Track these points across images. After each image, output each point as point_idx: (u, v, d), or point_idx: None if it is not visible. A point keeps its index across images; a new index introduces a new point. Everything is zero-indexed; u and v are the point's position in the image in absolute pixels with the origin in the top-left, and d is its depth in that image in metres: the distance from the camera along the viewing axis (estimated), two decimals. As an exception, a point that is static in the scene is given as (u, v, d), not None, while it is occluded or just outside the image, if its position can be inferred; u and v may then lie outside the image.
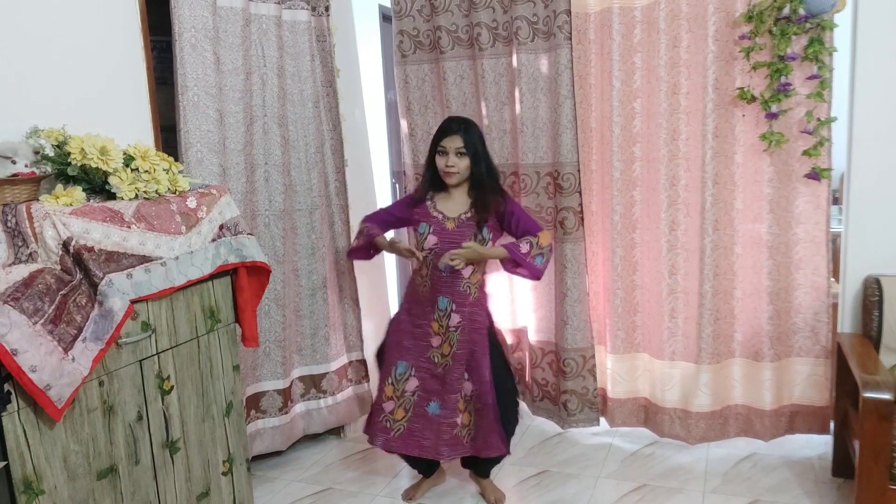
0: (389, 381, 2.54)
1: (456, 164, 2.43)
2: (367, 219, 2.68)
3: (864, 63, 2.52)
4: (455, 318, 2.48)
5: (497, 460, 2.62)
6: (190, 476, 2.03)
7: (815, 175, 2.58)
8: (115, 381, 1.77)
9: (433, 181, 2.54)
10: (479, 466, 2.65)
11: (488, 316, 2.58)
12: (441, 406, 2.50)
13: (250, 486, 2.31)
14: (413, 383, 2.53)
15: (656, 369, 2.95)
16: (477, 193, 2.48)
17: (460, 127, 2.45)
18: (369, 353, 3.29)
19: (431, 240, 2.48)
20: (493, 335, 2.57)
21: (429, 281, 2.51)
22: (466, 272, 2.46)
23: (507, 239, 2.54)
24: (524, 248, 2.42)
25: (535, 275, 2.46)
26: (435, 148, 2.48)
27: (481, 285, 2.54)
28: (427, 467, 2.68)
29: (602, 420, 3.12)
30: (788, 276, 2.72)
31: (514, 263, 2.45)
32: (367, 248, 2.64)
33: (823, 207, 2.64)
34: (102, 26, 2.29)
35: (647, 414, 3.03)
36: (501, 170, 3.03)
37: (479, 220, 2.47)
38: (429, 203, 2.54)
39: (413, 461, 2.66)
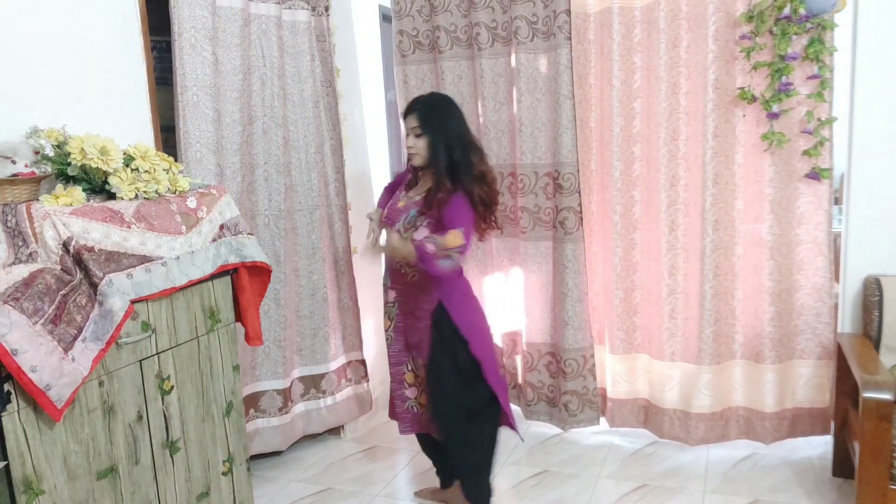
0: (409, 367, 2.48)
1: (414, 145, 2.30)
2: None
3: (865, 63, 2.52)
4: (391, 294, 2.46)
5: (466, 467, 2.44)
6: (190, 476, 2.03)
7: (815, 175, 2.59)
8: (115, 381, 1.77)
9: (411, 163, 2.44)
10: (446, 467, 2.60)
11: (437, 306, 2.32)
12: (396, 381, 2.50)
13: (250, 486, 2.31)
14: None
15: (656, 370, 2.95)
16: (434, 180, 2.29)
17: (417, 105, 2.32)
18: (368, 353, 3.29)
19: (381, 213, 2.46)
20: (447, 329, 2.33)
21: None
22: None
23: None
24: (429, 247, 2.17)
25: (431, 271, 2.21)
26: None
27: (424, 273, 2.29)
28: (445, 477, 2.62)
29: (602, 420, 3.11)
30: (790, 277, 2.71)
31: (421, 260, 2.22)
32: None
33: (825, 208, 2.63)
34: (102, 26, 2.29)
35: (647, 415, 3.03)
36: (499, 170, 3.02)
37: (426, 206, 2.29)
38: (407, 187, 2.46)
39: (436, 465, 2.63)
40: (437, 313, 2.35)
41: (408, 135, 2.37)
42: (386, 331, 2.51)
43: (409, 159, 2.42)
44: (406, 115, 2.37)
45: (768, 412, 2.82)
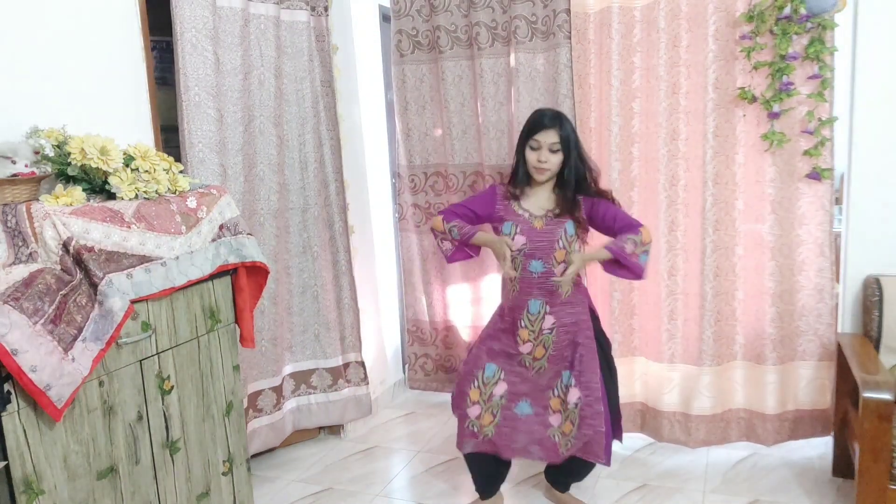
0: (475, 384, 2.39)
1: (549, 160, 2.30)
2: (448, 214, 2.45)
3: (865, 63, 2.52)
4: (549, 321, 2.34)
5: (583, 473, 2.51)
6: (190, 476, 2.03)
7: (815, 175, 2.58)
8: (115, 381, 1.77)
9: (522, 174, 2.39)
10: (562, 476, 2.54)
11: (591, 313, 2.43)
12: (531, 405, 2.37)
13: (250, 486, 2.31)
14: (502, 387, 2.40)
15: (655, 372, 2.92)
16: (563, 192, 2.35)
17: (555, 122, 2.30)
18: (367, 355, 3.29)
19: (519, 240, 2.33)
20: (600, 336, 2.43)
21: (517, 285, 2.36)
22: (559, 271, 2.32)
23: (597, 236, 2.44)
24: (628, 247, 2.24)
25: (639, 275, 2.30)
26: (525, 141, 2.34)
27: (577, 282, 2.39)
28: (490, 486, 2.55)
29: None
30: (791, 277, 2.69)
31: (615, 264, 2.29)
32: (464, 247, 2.43)
33: (826, 208, 2.62)
34: (102, 26, 2.29)
35: (645, 419, 3.00)
36: (499, 171, 3.03)
37: (569, 217, 2.33)
38: (512, 201, 2.41)
39: (479, 476, 2.52)
40: (595, 326, 2.41)
41: (538, 148, 2.32)
42: (538, 359, 2.39)
43: (532, 172, 2.36)
44: (539, 128, 2.31)
45: (770, 414, 2.80)
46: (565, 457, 2.33)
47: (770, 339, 2.76)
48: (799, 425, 2.81)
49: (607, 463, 2.35)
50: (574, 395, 2.31)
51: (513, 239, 2.33)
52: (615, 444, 2.39)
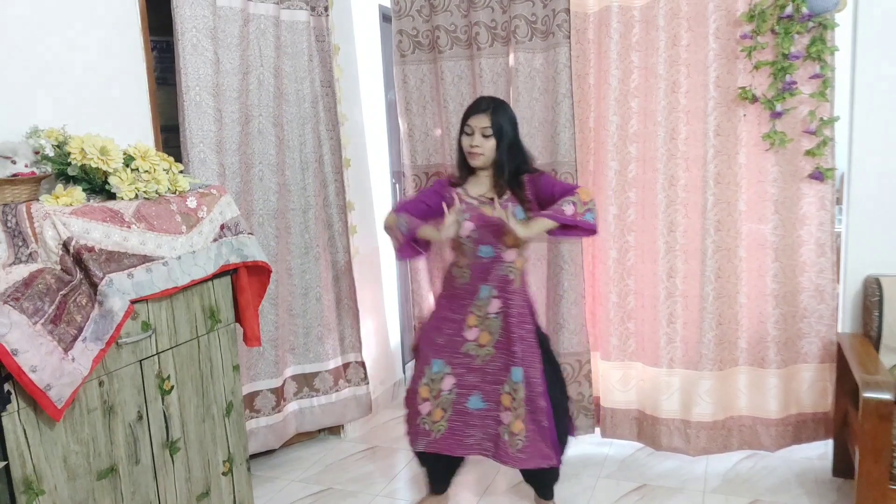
0: (424, 381, 2.39)
1: (482, 145, 2.30)
2: (399, 209, 2.40)
3: (865, 63, 2.52)
4: (495, 305, 2.34)
5: (548, 478, 2.50)
6: (190, 476, 2.03)
7: (818, 175, 2.56)
8: (115, 381, 1.77)
9: (463, 164, 2.41)
10: (537, 482, 2.53)
11: (531, 307, 2.43)
12: (483, 399, 2.36)
13: (250, 486, 2.31)
14: (449, 381, 2.38)
15: (653, 378, 2.87)
16: (499, 180, 2.35)
17: (489, 106, 2.32)
18: (367, 355, 3.29)
19: (468, 226, 2.31)
20: (539, 329, 2.43)
21: (468, 270, 2.37)
22: (510, 256, 2.34)
23: None
24: (568, 209, 2.21)
25: (591, 230, 2.29)
26: (462, 127, 2.36)
27: (523, 272, 2.40)
28: (441, 482, 2.58)
29: (596, 430, 3.04)
30: (794, 279, 2.67)
31: (563, 229, 2.26)
32: (413, 242, 2.35)
33: (828, 208, 2.60)
34: (102, 26, 2.29)
35: (643, 426, 2.94)
36: None
37: (516, 201, 2.34)
38: (460, 189, 2.41)
39: (432, 473, 2.56)
40: (535, 322, 2.40)
41: (471, 133, 2.32)
42: (483, 346, 2.37)
43: (467, 157, 2.36)
44: (472, 113, 2.33)
45: (772, 419, 2.76)
46: (516, 461, 2.31)
47: (773, 342, 2.72)
48: (802, 429, 2.78)
49: (557, 463, 2.36)
50: (522, 393, 2.31)
51: (461, 226, 2.29)
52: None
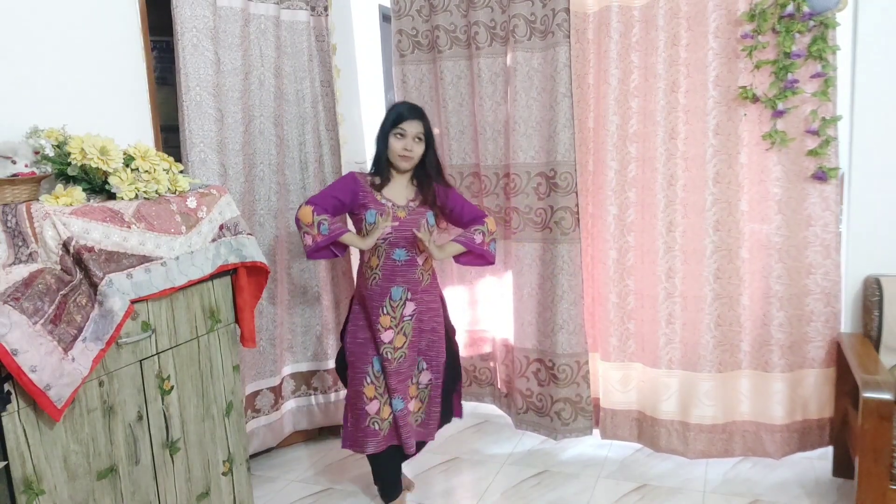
0: (368, 380, 2.44)
1: (414, 150, 2.39)
2: (317, 207, 2.34)
3: (865, 62, 2.51)
4: (410, 307, 2.44)
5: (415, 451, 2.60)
6: (190, 476, 2.03)
7: (822, 175, 2.53)
8: (115, 381, 1.77)
9: (385, 165, 2.42)
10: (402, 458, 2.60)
11: (442, 301, 2.59)
12: (402, 398, 2.46)
13: (250, 486, 2.31)
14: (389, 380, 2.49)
15: (652, 379, 2.85)
16: (423, 181, 2.46)
17: (419, 113, 2.42)
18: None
19: (386, 229, 2.35)
20: (447, 321, 2.61)
21: (380, 273, 2.40)
22: (421, 259, 2.43)
23: (452, 229, 2.60)
24: (478, 238, 2.45)
25: (490, 261, 2.52)
26: (390, 130, 2.39)
27: (433, 272, 2.54)
28: (396, 486, 2.59)
29: (595, 431, 3.01)
30: (800, 281, 2.62)
31: (467, 254, 2.48)
32: (329, 244, 2.35)
33: (832, 209, 2.57)
34: (102, 26, 2.29)
35: (642, 427, 2.92)
36: (494, 171, 3.04)
37: (428, 207, 2.46)
38: (374, 190, 2.42)
39: (385, 477, 2.57)
40: (444, 314, 2.58)
41: (404, 137, 2.39)
42: (398, 348, 2.44)
43: (395, 160, 2.40)
44: (405, 118, 2.38)
45: (777, 424, 2.71)
46: (417, 435, 2.53)
47: (778, 346, 2.67)
48: (807, 435, 2.72)
49: (432, 438, 2.60)
50: (426, 377, 2.54)
51: (376, 228, 2.32)
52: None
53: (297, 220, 2.35)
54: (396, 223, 2.38)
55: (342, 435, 2.52)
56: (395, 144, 2.39)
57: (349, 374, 2.50)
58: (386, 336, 2.43)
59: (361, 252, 2.45)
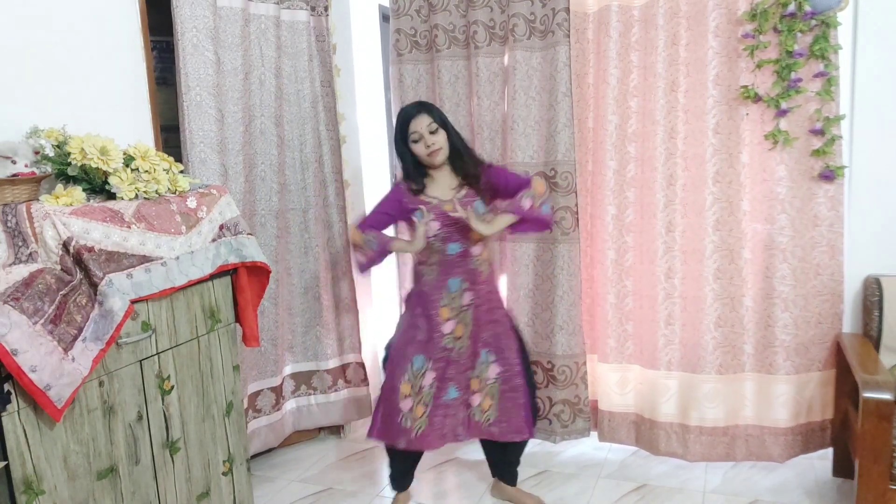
0: (406, 378, 2.41)
1: (436, 141, 2.37)
2: (364, 226, 2.47)
3: (865, 62, 2.51)
4: (467, 297, 2.42)
5: (515, 454, 2.60)
6: (190, 476, 2.03)
7: (829, 174, 2.51)
8: (115, 381, 1.77)
9: (416, 170, 2.44)
10: (504, 467, 2.62)
11: (499, 296, 2.56)
12: (457, 388, 2.44)
13: (250, 486, 2.31)
14: (430, 377, 2.43)
15: (651, 380, 2.82)
16: (462, 167, 2.43)
17: (421, 107, 2.40)
18: (366, 356, 3.28)
19: (434, 226, 2.38)
20: (510, 316, 2.55)
21: (436, 267, 2.43)
22: (476, 250, 2.42)
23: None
24: (526, 203, 2.31)
25: (547, 224, 2.41)
26: (405, 139, 2.40)
27: (491, 262, 2.51)
28: (407, 479, 2.62)
29: (592, 434, 3.00)
30: (807, 282, 2.60)
31: (521, 223, 2.36)
32: (381, 257, 2.46)
33: (837, 209, 2.55)
34: (102, 26, 2.29)
35: (640, 430, 2.90)
36: None
37: (477, 193, 2.43)
38: (418, 195, 2.45)
39: (400, 469, 2.59)
40: (504, 305, 2.54)
41: (420, 138, 2.37)
42: (459, 338, 2.44)
43: (428, 160, 2.39)
44: (410, 119, 2.38)
45: (781, 428, 2.69)
46: (490, 434, 2.47)
47: (783, 347, 2.64)
48: (809, 437, 2.70)
49: (531, 435, 2.51)
50: (493, 371, 2.45)
51: (427, 225, 2.36)
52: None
53: (353, 245, 2.51)
54: (437, 223, 2.38)
55: (370, 426, 2.51)
56: (418, 149, 2.39)
57: (388, 367, 2.51)
58: (447, 327, 2.43)
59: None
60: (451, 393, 2.44)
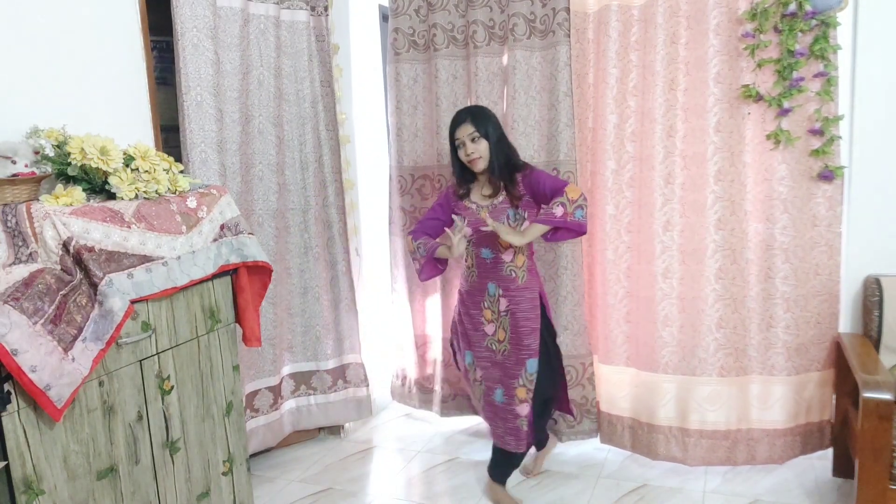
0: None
1: (476, 150, 2.43)
2: (416, 233, 2.59)
3: (865, 62, 2.51)
4: (503, 303, 2.49)
5: (519, 459, 2.64)
6: (190, 476, 2.03)
7: (828, 174, 2.51)
8: (115, 381, 1.77)
9: (462, 175, 2.54)
10: (506, 462, 2.67)
11: (542, 300, 2.53)
12: (504, 394, 2.50)
13: (250, 486, 2.31)
14: (479, 372, 2.57)
15: (648, 383, 2.80)
16: (499, 176, 2.46)
17: (468, 114, 2.46)
18: (366, 356, 3.28)
19: (467, 231, 2.45)
20: (547, 323, 2.56)
21: (475, 271, 2.55)
22: (508, 256, 2.47)
23: None
24: (558, 211, 2.30)
25: (581, 230, 2.36)
26: (453, 144, 2.48)
27: (529, 268, 2.51)
28: (506, 472, 2.67)
29: (597, 434, 2.99)
30: (807, 282, 2.59)
31: (555, 231, 2.36)
32: (433, 263, 2.55)
33: (835, 209, 2.55)
34: (102, 26, 2.29)
35: (637, 435, 2.87)
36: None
37: (511, 200, 2.44)
38: (463, 198, 2.56)
39: (501, 459, 2.65)
40: (542, 311, 2.52)
41: (462, 145, 2.44)
42: (501, 342, 2.51)
43: (470, 167, 2.47)
44: (456, 126, 2.45)
45: (780, 429, 2.68)
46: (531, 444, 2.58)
47: (785, 348, 2.63)
48: (809, 438, 2.70)
49: (526, 449, 2.56)
50: (535, 381, 2.50)
51: (462, 231, 2.41)
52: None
53: (409, 253, 2.66)
54: (469, 229, 2.45)
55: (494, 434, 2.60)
56: (461, 154, 2.47)
57: (459, 351, 2.67)
58: (489, 329, 2.54)
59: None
60: (497, 395, 2.52)
